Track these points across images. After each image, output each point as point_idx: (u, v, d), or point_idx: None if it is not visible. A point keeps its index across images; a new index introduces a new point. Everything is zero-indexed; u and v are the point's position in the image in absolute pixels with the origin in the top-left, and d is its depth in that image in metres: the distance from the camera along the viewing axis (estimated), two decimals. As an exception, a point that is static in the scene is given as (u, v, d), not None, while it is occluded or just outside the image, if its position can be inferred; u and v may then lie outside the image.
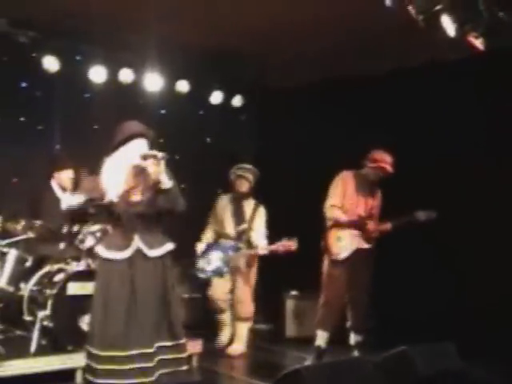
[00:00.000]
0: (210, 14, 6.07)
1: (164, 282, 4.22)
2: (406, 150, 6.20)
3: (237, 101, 7.74)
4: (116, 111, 6.79)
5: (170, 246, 4.27)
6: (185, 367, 4.23)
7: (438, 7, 5.05)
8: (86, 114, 6.82)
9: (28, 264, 5.62)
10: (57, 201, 6.19)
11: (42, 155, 6.57)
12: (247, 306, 6.20)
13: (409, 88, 6.56)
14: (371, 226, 5.84)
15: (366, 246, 5.84)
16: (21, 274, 5.55)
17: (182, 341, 4.22)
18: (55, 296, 5.19)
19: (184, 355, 4.25)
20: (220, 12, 6.00)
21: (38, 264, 5.69)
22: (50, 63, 6.50)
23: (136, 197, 4.17)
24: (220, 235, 6.40)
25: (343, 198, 5.90)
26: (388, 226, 5.77)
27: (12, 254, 5.51)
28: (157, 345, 4.07)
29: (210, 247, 6.30)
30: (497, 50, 5.27)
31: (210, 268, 6.19)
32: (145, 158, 4.10)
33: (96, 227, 5.69)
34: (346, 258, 5.82)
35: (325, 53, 6.62)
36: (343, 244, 5.84)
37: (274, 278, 7.31)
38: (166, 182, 4.13)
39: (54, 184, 6.23)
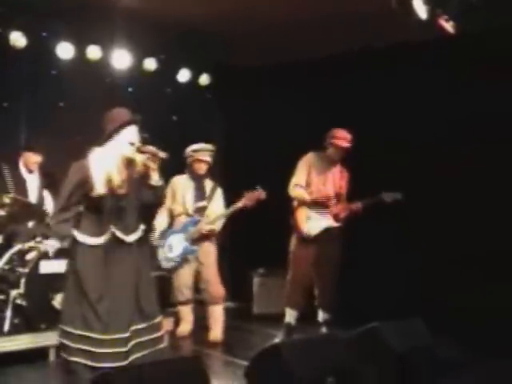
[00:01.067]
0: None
1: (137, 265, 4.24)
2: (372, 131, 6.36)
3: (204, 79, 7.73)
4: (83, 89, 6.76)
5: (142, 227, 4.29)
6: (161, 345, 4.29)
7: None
8: (53, 92, 6.71)
9: (-2, 243, 5.59)
10: (23, 181, 6.15)
11: (7, 133, 6.48)
12: (217, 286, 6.10)
13: (376, 69, 6.68)
14: (340, 205, 5.98)
15: (335, 224, 5.97)
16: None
17: (157, 320, 4.27)
18: (28, 275, 5.19)
19: (159, 334, 4.30)
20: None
21: (8, 242, 5.67)
22: (17, 39, 6.38)
23: (122, 190, 4.14)
24: (176, 215, 6.20)
25: (308, 177, 6.01)
26: (359, 205, 5.89)
27: (-19, 233, 5.48)
28: (132, 328, 4.09)
29: (164, 234, 6.12)
30: (467, 34, 5.43)
31: (175, 253, 6.06)
32: (141, 151, 4.11)
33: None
34: (315, 236, 5.94)
35: (292, 32, 6.66)
36: (312, 223, 5.96)
37: (240, 256, 7.43)
38: (157, 180, 4.20)
39: (20, 163, 6.18)
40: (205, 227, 6.06)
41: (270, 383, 3.88)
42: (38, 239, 5.68)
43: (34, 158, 6.16)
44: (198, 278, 6.17)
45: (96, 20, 6.51)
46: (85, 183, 4.06)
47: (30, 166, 6.17)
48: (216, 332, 6.10)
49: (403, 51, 6.53)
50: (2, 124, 6.46)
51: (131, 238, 4.20)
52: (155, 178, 4.17)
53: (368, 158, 6.26)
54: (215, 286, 6.12)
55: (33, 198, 6.13)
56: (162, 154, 4.12)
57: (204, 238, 6.12)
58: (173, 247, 6.06)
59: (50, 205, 6.14)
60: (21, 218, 5.73)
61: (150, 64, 7.22)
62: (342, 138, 5.89)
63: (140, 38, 6.92)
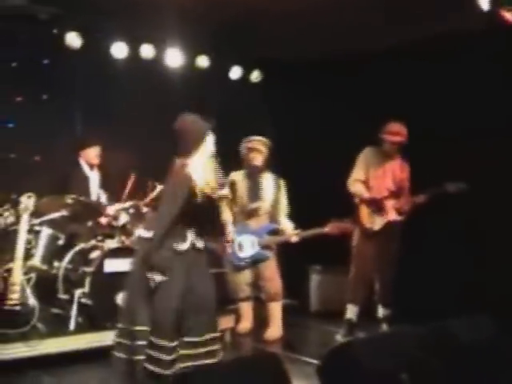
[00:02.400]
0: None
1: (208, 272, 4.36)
2: (433, 123, 6.24)
3: (255, 76, 7.70)
4: (138, 87, 6.79)
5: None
6: (215, 359, 4.18)
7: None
8: (108, 91, 6.75)
9: (60, 242, 5.63)
10: (85, 179, 6.20)
11: (64, 133, 6.54)
12: (276, 283, 6.07)
13: (428, 60, 6.53)
14: (402, 199, 5.88)
15: (397, 218, 5.87)
16: (54, 252, 5.58)
17: (213, 334, 4.25)
18: (93, 273, 5.21)
19: (214, 348, 4.23)
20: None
21: (69, 242, 5.72)
22: (73, 40, 6.44)
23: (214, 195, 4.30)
24: (234, 212, 6.10)
25: (366, 172, 5.96)
26: (421, 198, 5.76)
27: (45, 232, 5.52)
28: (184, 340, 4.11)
29: (237, 231, 6.00)
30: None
31: (246, 254, 6.01)
32: None
33: (128, 203, 5.71)
34: (377, 230, 5.87)
35: (341, 28, 6.58)
36: (375, 217, 5.90)
37: (296, 253, 7.34)
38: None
39: (82, 161, 6.23)
40: (292, 239, 5.99)
41: (342, 380, 3.82)
42: (100, 238, 5.74)
43: (94, 152, 6.20)
44: (257, 275, 6.12)
45: (149, 19, 6.51)
46: (191, 194, 4.12)
47: (92, 161, 6.20)
48: (275, 329, 6.06)
49: (456, 42, 6.36)
50: (59, 125, 6.52)
51: (202, 243, 4.27)
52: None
53: (427, 150, 6.14)
54: (274, 282, 6.08)
55: (94, 196, 6.18)
56: None
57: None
58: (243, 247, 6.01)
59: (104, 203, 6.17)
60: (82, 217, 5.77)
61: (202, 61, 7.21)
62: (395, 132, 5.81)
63: (192, 35, 6.90)
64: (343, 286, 6.81)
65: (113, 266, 5.30)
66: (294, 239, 5.99)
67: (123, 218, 5.57)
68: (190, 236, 4.17)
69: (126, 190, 5.86)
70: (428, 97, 6.50)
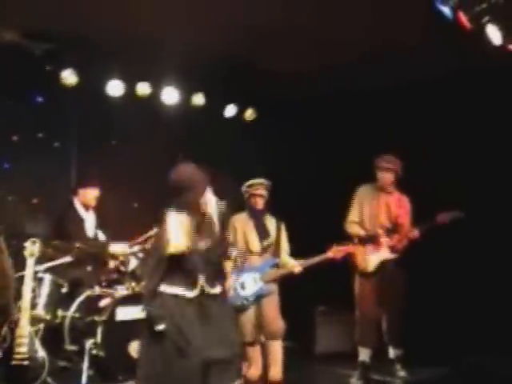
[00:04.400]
0: (223, 26, 5.90)
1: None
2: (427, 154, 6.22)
3: (249, 114, 7.59)
4: (134, 125, 6.60)
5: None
6: None
7: (486, 18, 5.11)
8: (105, 130, 6.53)
9: (64, 290, 5.34)
10: (81, 221, 5.92)
11: (60, 173, 6.29)
12: (277, 321, 5.83)
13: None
14: (396, 236, 5.76)
15: (391, 256, 5.77)
16: (57, 301, 5.28)
17: None
18: (105, 322, 4.93)
19: None
20: (232, 23, 5.84)
21: (72, 289, 5.42)
22: (67, 77, 6.21)
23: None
24: (235, 257, 5.86)
25: (361, 211, 5.90)
26: (415, 232, 5.66)
27: (48, 280, 5.22)
28: None
29: (238, 272, 5.81)
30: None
31: (248, 292, 5.81)
32: None
33: (136, 248, 5.46)
34: (373, 270, 5.77)
35: (337, 65, 6.56)
36: (369, 257, 5.80)
37: (300, 294, 7.18)
38: None
39: (76, 202, 5.95)
40: (295, 269, 5.82)
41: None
42: (104, 284, 5.47)
43: (91, 194, 5.93)
44: (259, 314, 5.89)
45: (145, 57, 6.36)
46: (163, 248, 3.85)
47: (89, 203, 5.93)
48: (276, 370, 5.85)
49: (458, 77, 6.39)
50: (53, 164, 6.26)
51: (216, 290, 4.02)
52: None
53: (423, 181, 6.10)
54: (276, 321, 5.87)
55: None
56: None
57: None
58: (246, 285, 5.83)
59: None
60: (86, 263, 5.48)
61: (199, 99, 7.07)
62: (385, 168, 5.75)
63: (188, 74, 6.77)
64: (348, 327, 6.71)
65: (124, 314, 5.02)
66: (298, 269, 5.82)
67: (132, 263, 5.31)
68: (201, 281, 3.92)
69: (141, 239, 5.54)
70: (422, 131, 6.50)
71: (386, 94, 6.86)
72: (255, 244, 5.91)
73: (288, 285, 6.83)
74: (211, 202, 3.99)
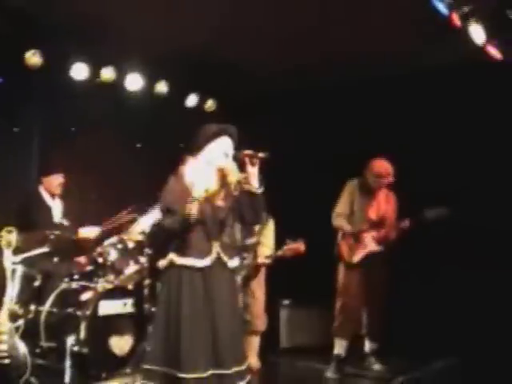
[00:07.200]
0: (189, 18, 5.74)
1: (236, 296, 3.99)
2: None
3: (209, 105, 7.43)
4: (96, 111, 6.30)
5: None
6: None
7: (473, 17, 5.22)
8: (66, 115, 6.19)
9: (37, 283, 5.01)
10: (47, 209, 5.60)
11: (22, 159, 5.90)
12: (262, 320, 5.80)
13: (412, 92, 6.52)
14: (383, 230, 5.81)
15: (376, 248, 5.80)
16: (30, 294, 4.95)
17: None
18: (89, 318, 4.65)
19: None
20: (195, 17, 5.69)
21: (45, 282, 5.10)
22: (31, 58, 5.83)
23: (220, 202, 3.82)
24: None
25: (351, 205, 5.89)
26: (406, 222, 5.68)
27: (20, 272, 4.88)
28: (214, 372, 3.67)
29: None
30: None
31: None
32: (239, 158, 3.78)
33: (114, 238, 5.21)
34: (358, 262, 5.78)
35: (310, 58, 6.51)
36: (355, 250, 5.81)
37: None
38: (257, 187, 3.77)
39: (42, 191, 5.62)
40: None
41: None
42: (76, 276, 5.18)
43: (56, 181, 5.62)
44: (245, 308, 5.78)
45: (111, 42, 6.08)
46: (184, 193, 3.69)
47: (54, 191, 5.62)
48: (255, 360, 5.78)
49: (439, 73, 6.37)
50: (14, 150, 5.87)
51: (234, 262, 3.87)
52: (255, 185, 3.75)
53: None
54: (262, 319, 5.78)
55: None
56: (262, 155, 3.74)
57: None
58: None
59: None
60: (60, 254, 5.17)
61: (161, 87, 6.84)
62: (379, 174, 5.76)
63: (152, 61, 6.54)
64: (314, 321, 6.71)
65: (105, 308, 4.76)
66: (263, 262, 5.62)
67: (112, 255, 5.04)
68: (215, 250, 3.76)
69: (115, 222, 5.28)
70: (414, 126, 6.48)
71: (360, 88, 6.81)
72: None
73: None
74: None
